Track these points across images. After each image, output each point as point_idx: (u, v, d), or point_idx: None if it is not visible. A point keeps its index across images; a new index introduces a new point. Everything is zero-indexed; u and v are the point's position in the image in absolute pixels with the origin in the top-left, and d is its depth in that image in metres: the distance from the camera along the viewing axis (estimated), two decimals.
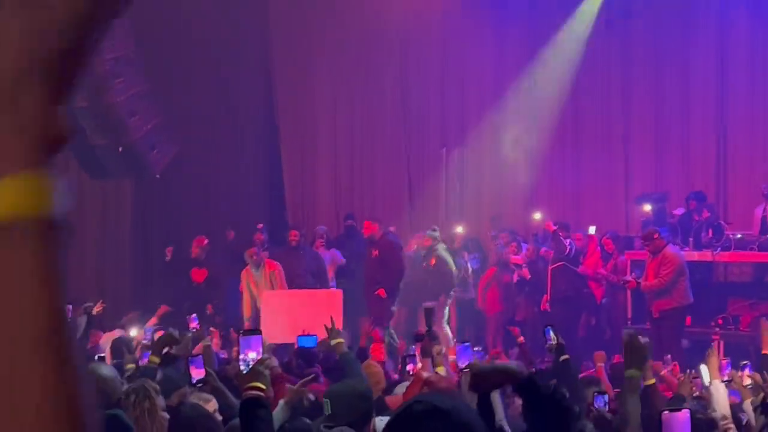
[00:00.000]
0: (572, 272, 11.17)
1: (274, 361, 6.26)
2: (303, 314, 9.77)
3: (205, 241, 12.63)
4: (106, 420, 3.19)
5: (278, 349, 8.56)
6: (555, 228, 11.44)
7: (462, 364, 4.49)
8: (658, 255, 10.07)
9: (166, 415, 4.07)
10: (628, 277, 10.67)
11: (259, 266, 11.18)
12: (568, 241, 11.36)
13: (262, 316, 10.61)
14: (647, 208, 12.00)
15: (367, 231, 11.56)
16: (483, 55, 14.71)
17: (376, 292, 11.11)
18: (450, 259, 11.96)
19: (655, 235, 10.15)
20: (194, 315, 8.60)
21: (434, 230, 12.14)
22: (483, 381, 2.75)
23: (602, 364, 6.68)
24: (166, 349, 4.94)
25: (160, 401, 4.06)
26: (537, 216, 12.73)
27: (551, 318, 10.88)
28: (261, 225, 13.28)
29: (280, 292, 11.05)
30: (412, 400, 1.97)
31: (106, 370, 3.45)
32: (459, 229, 13.27)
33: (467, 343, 6.37)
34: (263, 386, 3.10)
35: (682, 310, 10.14)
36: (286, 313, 10.12)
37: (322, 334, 10.07)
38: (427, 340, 6.06)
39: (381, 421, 3.96)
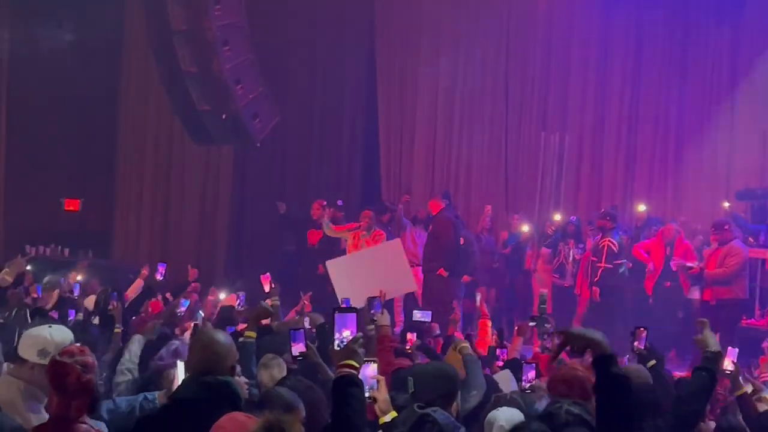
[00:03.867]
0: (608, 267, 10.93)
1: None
2: (370, 273, 9.61)
3: (325, 203, 12.62)
4: (216, 386, 3.26)
5: None
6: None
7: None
8: (725, 246, 10.29)
9: (245, 383, 4.15)
10: (691, 264, 10.85)
11: (370, 230, 11.03)
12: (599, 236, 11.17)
13: (334, 286, 10.25)
14: (726, 205, 12.41)
15: (430, 208, 11.52)
16: (589, 38, 14.48)
17: (437, 272, 10.91)
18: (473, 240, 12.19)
19: (726, 226, 10.45)
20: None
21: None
22: (571, 341, 2.99)
23: None
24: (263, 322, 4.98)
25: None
26: (641, 208, 12.60)
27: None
28: (341, 202, 13.22)
29: (340, 258, 10.74)
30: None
31: (222, 336, 3.46)
32: (557, 217, 13.19)
33: (505, 349, 6.33)
34: (357, 364, 3.14)
35: (739, 303, 10.36)
36: (355, 277, 9.82)
37: (393, 289, 10.09)
38: (538, 322, 6.15)
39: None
